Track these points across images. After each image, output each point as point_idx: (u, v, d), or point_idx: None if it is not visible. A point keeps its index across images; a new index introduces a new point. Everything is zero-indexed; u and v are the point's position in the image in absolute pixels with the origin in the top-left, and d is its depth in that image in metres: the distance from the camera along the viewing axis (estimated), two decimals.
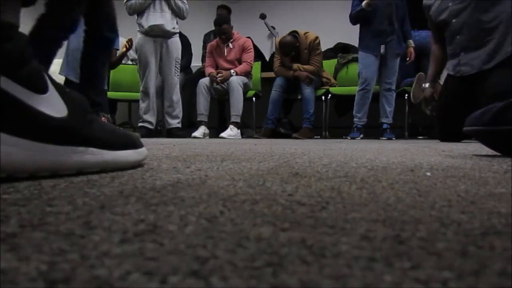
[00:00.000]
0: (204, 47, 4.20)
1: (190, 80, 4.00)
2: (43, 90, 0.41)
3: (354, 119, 3.30)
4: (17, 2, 0.42)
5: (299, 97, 3.61)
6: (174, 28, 3.26)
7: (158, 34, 3.22)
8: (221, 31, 3.63)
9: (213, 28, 4.15)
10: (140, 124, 3.34)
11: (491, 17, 2.00)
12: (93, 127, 0.47)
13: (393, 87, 3.25)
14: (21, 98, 0.39)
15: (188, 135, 3.38)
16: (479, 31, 2.04)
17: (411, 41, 3.28)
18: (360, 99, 3.24)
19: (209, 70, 3.67)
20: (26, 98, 0.39)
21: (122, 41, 3.47)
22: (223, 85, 3.57)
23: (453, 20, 2.13)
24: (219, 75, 3.54)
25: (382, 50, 3.13)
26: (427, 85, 2.35)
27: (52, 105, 0.42)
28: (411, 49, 3.28)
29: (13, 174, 0.39)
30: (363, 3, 3.05)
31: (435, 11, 2.24)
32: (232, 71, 3.56)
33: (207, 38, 4.26)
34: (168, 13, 3.21)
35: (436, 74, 2.37)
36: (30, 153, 0.40)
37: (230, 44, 3.68)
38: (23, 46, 0.41)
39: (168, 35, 3.25)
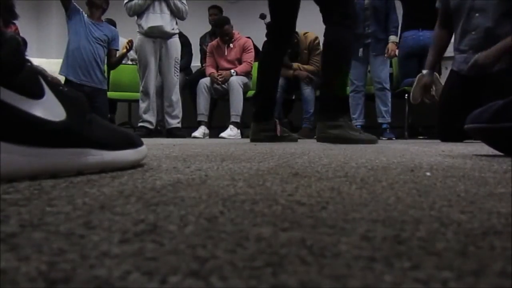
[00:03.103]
0: (201, 50, 4.20)
1: (190, 80, 4.00)
2: (39, 95, 0.41)
3: (352, 121, 3.33)
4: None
5: (294, 97, 3.62)
6: (173, 29, 3.27)
7: (157, 35, 3.22)
8: (223, 32, 3.63)
9: (209, 29, 4.15)
10: (140, 124, 3.34)
11: (506, 28, 1.96)
12: (92, 128, 0.47)
13: (386, 86, 3.29)
14: (17, 105, 0.38)
15: (188, 135, 3.38)
16: (493, 33, 2.00)
17: (392, 37, 3.28)
18: (352, 100, 3.35)
19: (210, 70, 3.67)
20: (22, 104, 0.39)
21: (122, 42, 3.47)
22: (223, 85, 3.57)
23: (476, 15, 2.06)
24: (220, 76, 3.54)
25: (360, 53, 3.25)
26: (425, 71, 2.28)
27: (50, 109, 0.42)
28: (391, 45, 3.27)
29: (13, 179, 0.39)
30: None
31: None
32: (232, 71, 3.56)
33: (203, 41, 4.27)
34: (167, 14, 3.21)
35: (435, 62, 2.31)
36: (30, 158, 0.39)
37: (230, 44, 3.68)
38: (15, 52, 0.40)
39: (167, 36, 3.25)
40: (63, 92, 0.45)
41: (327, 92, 1.73)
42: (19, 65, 0.40)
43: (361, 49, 3.24)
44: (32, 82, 0.41)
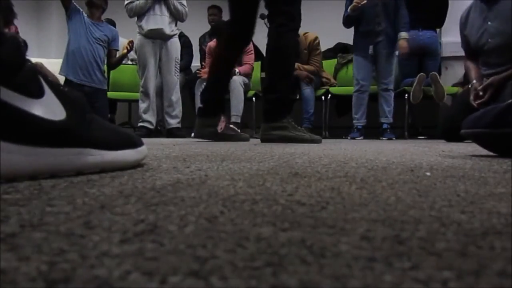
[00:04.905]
0: (200, 50, 4.20)
1: (190, 80, 4.00)
2: (39, 94, 0.41)
3: (353, 120, 3.31)
4: None
5: (298, 96, 3.62)
6: (172, 31, 3.28)
7: (157, 37, 3.23)
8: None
9: (208, 29, 4.15)
10: (140, 124, 3.34)
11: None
12: (92, 128, 0.47)
13: (390, 86, 3.26)
14: (17, 104, 0.38)
15: (188, 135, 3.38)
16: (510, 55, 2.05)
17: (403, 33, 3.13)
18: (356, 100, 3.29)
19: None
20: (22, 104, 0.39)
21: (123, 42, 3.47)
22: None
23: (489, 40, 2.14)
24: None
25: (370, 51, 3.17)
26: (475, 82, 2.24)
27: (50, 109, 0.42)
28: (402, 42, 3.13)
29: (13, 179, 0.39)
30: (349, 8, 3.07)
31: (474, 34, 2.23)
32: (236, 70, 3.55)
33: (202, 41, 4.26)
34: (167, 16, 3.21)
35: (480, 75, 2.29)
36: (29, 158, 0.39)
37: None
38: (15, 51, 0.40)
39: (167, 38, 3.26)
40: (63, 91, 0.45)
41: (270, 95, 1.75)
42: (19, 65, 0.40)
43: (371, 47, 3.15)
44: (32, 82, 0.41)
